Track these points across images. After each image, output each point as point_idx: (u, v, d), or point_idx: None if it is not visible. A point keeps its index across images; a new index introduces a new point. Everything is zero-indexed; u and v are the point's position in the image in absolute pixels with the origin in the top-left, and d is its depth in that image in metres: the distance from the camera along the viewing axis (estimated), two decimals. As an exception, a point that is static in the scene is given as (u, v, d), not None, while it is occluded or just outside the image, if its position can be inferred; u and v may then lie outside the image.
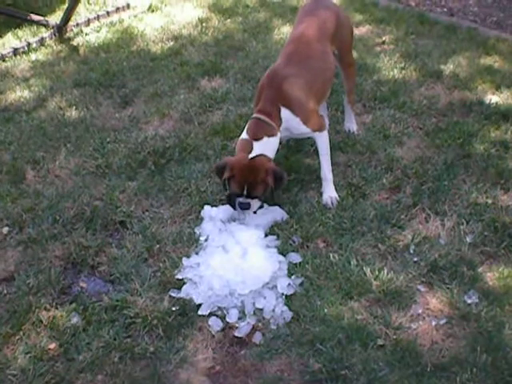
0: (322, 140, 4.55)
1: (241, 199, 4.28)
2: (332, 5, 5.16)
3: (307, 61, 4.57)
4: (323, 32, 4.76)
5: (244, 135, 4.36)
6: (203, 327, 3.64)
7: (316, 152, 4.64)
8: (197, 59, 6.81)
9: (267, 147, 4.30)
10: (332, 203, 4.49)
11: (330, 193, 4.55)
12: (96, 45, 7.31)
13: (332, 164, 4.59)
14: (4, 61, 7.01)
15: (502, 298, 3.74)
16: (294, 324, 3.63)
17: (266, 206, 4.43)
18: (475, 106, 5.71)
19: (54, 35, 7.46)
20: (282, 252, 4.08)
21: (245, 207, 4.32)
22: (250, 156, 4.24)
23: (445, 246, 4.12)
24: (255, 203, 4.33)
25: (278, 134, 4.36)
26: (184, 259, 4.03)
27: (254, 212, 4.38)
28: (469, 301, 3.71)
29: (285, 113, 4.36)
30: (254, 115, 4.38)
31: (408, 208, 4.47)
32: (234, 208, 4.35)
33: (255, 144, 4.27)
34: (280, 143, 4.45)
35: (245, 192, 4.24)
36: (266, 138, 4.29)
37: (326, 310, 3.66)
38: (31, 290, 3.87)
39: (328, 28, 4.81)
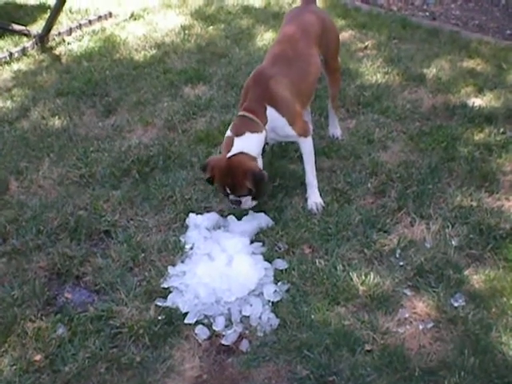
0: (307, 145, 4.53)
1: (232, 196, 4.28)
2: (318, 10, 5.17)
3: (293, 62, 4.54)
4: (309, 35, 4.75)
5: (228, 132, 4.34)
6: (190, 336, 3.63)
7: (300, 158, 4.64)
8: (180, 67, 6.80)
9: (249, 143, 4.24)
10: (317, 209, 4.49)
11: (314, 199, 4.54)
12: (78, 54, 7.27)
13: (316, 169, 4.58)
14: (-14, 71, 6.98)
15: (488, 301, 3.75)
16: (280, 331, 3.62)
17: (251, 212, 4.42)
18: (458, 109, 5.73)
19: (36, 45, 7.41)
20: (268, 259, 4.07)
21: (235, 204, 4.33)
22: (230, 154, 4.19)
23: (430, 249, 4.13)
24: (246, 200, 4.30)
25: (264, 132, 4.32)
26: (169, 268, 4.02)
27: (248, 210, 4.41)
28: (455, 304, 3.71)
29: (271, 112, 4.32)
30: (239, 113, 4.35)
31: (393, 212, 4.48)
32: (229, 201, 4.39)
33: (236, 140, 4.23)
34: (266, 143, 4.43)
35: (228, 191, 4.23)
36: (248, 134, 4.24)
37: (312, 316, 3.66)
38: (16, 302, 3.84)
39: (314, 32, 4.80)
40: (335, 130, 5.37)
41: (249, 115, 4.29)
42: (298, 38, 4.69)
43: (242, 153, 4.19)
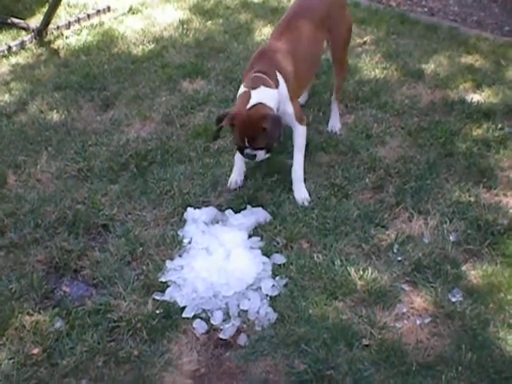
0: (300, 133, 4.57)
1: (248, 150, 4.29)
2: None
3: (297, 42, 4.61)
4: (315, 17, 4.80)
5: (242, 88, 4.37)
6: (187, 330, 3.63)
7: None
8: (178, 61, 6.78)
9: (266, 95, 4.27)
10: (304, 202, 4.49)
11: (300, 193, 4.56)
12: (76, 48, 7.25)
13: (315, 164, 4.61)
14: (-16, 65, 6.96)
15: (486, 296, 3.76)
16: (278, 325, 3.62)
17: (249, 207, 4.43)
18: (457, 104, 5.74)
19: (35, 38, 7.38)
20: (266, 253, 4.07)
21: (250, 158, 4.37)
22: (249, 105, 4.22)
23: (428, 244, 4.14)
24: (261, 153, 4.32)
25: (276, 92, 4.35)
26: (167, 262, 4.02)
27: (246, 205, 4.43)
28: (453, 299, 3.72)
29: (279, 77, 4.39)
30: (253, 74, 4.39)
31: (391, 207, 4.48)
32: (243, 155, 4.41)
33: (253, 92, 4.26)
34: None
35: (246, 144, 4.24)
36: (263, 87, 4.28)
37: (310, 311, 3.66)
38: (14, 295, 3.84)
39: (318, 14, 4.83)
40: (335, 123, 5.37)
41: (262, 75, 4.35)
42: (304, 20, 4.73)
43: (260, 103, 4.22)
